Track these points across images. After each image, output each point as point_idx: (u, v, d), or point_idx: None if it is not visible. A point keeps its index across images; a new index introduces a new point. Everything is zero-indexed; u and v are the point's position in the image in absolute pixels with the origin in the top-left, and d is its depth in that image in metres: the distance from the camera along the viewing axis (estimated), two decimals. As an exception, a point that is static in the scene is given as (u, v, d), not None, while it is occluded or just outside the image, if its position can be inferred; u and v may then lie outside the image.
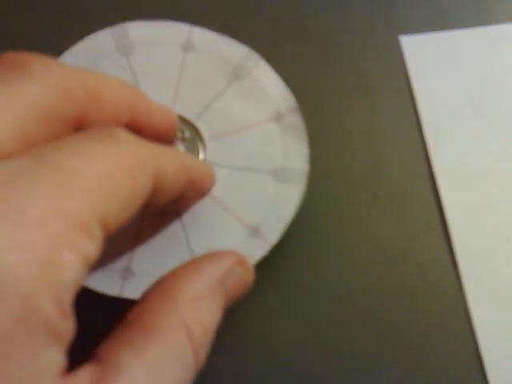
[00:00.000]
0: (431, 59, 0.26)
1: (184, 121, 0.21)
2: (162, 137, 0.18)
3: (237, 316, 0.21)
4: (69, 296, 0.12)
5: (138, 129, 0.17)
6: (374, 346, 0.21)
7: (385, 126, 0.25)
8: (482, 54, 0.26)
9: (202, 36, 0.22)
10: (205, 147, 0.21)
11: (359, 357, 0.21)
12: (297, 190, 0.20)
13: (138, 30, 0.22)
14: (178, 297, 0.15)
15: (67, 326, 0.12)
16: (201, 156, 0.21)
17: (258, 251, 0.19)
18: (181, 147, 0.21)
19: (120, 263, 0.19)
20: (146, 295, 0.15)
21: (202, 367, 0.15)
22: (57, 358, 0.11)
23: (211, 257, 0.17)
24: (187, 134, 0.21)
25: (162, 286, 0.16)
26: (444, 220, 0.23)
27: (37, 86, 0.13)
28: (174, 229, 0.20)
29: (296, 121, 0.21)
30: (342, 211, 0.23)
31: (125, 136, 0.14)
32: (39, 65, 0.14)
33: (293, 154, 0.21)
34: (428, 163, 0.24)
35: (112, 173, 0.13)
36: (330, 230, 0.23)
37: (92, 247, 0.12)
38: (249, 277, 0.17)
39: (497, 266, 0.22)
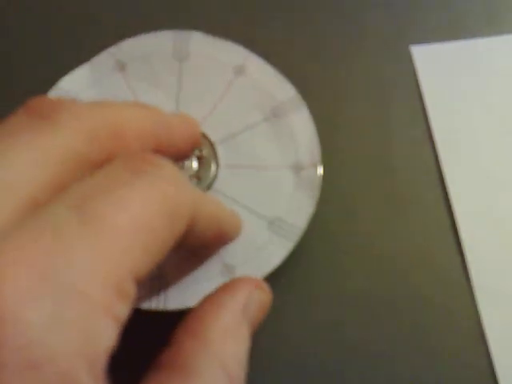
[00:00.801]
0: (442, 69, 0.27)
1: (205, 139, 0.21)
2: (184, 151, 0.18)
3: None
4: (103, 362, 0.12)
5: (161, 150, 0.17)
6: (386, 348, 0.21)
7: (396, 135, 0.25)
8: (493, 63, 0.27)
9: (256, 65, 0.22)
10: (217, 173, 0.21)
11: (371, 360, 0.21)
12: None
13: (198, 42, 0.22)
14: (207, 335, 0.16)
15: None
16: (211, 176, 0.21)
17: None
18: (194, 163, 0.21)
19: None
20: (175, 338, 0.16)
21: None
22: None
23: (231, 287, 0.17)
24: (205, 152, 0.21)
25: (190, 327, 0.16)
26: (454, 224, 0.23)
27: (66, 134, 0.14)
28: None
29: (313, 176, 0.21)
30: (353, 217, 0.24)
31: (167, 171, 0.14)
32: (66, 112, 0.14)
33: (296, 209, 0.20)
34: (439, 170, 0.24)
35: (152, 222, 0.13)
36: (342, 235, 0.23)
37: (126, 308, 0.12)
38: (267, 298, 0.18)
39: (507, 270, 0.22)
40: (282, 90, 0.22)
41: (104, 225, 0.12)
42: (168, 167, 0.14)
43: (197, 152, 0.21)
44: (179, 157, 0.19)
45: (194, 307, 0.17)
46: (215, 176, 0.21)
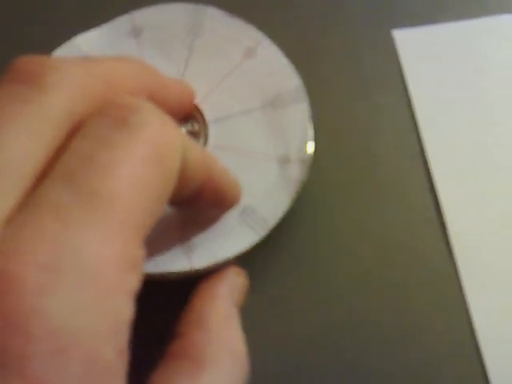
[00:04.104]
0: (424, 52, 0.26)
1: (200, 116, 0.21)
2: (177, 114, 0.18)
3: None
4: (125, 335, 0.12)
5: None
6: (371, 333, 0.21)
7: (379, 119, 0.25)
8: (476, 46, 0.27)
9: (268, 50, 0.21)
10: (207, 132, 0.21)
11: (355, 345, 0.21)
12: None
13: (213, 18, 0.22)
14: (210, 325, 0.17)
15: (123, 362, 0.12)
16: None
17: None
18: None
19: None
20: (181, 330, 0.17)
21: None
22: None
23: (219, 277, 0.19)
24: (197, 128, 0.21)
25: (192, 319, 0.17)
26: (440, 211, 0.23)
27: (57, 96, 0.13)
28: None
29: (297, 172, 0.20)
30: (338, 203, 0.23)
31: (149, 114, 0.13)
32: (55, 72, 0.13)
33: (271, 204, 0.20)
34: (423, 155, 0.24)
35: (145, 177, 0.13)
36: (328, 222, 0.23)
37: (138, 276, 0.12)
38: (245, 281, 0.19)
39: (493, 257, 0.22)
40: (288, 79, 0.21)
41: (101, 198, 0.12)
42: (148, 109, 0.14)
43: (189, 127, 0.20)
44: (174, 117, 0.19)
45: (191, 300, 0.18)
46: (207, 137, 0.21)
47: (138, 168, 0.12)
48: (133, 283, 0.12)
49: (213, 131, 0.21)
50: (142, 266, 0.13)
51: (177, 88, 0.19)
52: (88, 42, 0.22)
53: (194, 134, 0.20)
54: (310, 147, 0.20)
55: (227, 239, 0.19)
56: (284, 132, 0.20)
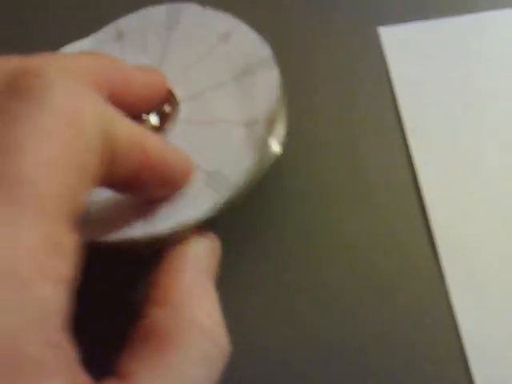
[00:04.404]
0: (410, 50, 0.26)
1: (172, 96, 0.21)
2: (146, 102, 0.18)
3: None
4: (57, 325, 0.11)
5: (118, 98, 0.17)
6: (357, 333, 0.21)
7: (363, 118, 0.25)
8: (462, 43, 0.26)
9: (241, 32, 0.21)
10: (174, 128, 0.20)
11: (338, 345, 0.21)
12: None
13: (189, 12, 0.22)
14: (174, 301, 0.16)
15: (59, 354, 0.11)
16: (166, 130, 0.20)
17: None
18: (154, 118, 0.20)
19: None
20: (144, 310, 0.16)
21: (230, 349, 0.16)
22: None
23: (180, 249, 0.17)
24: (167, 109, 0.20)
25: (155, 296, 0.16)
26: (424, 209, 0.23)
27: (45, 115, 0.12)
28: None
29: (263, 132, 0.19)
30: (315, 209, 0.23)
31: (55, 80, 0.12)
32: (43, 89, 0.12)
33: (236, 164, 0.19)
34: (408, 156, 0.24)
35: (57, 147, 0.12)
36: (304, 230, 0.22)
37: (67, 263, 0.12)
38: (215, 243, 0.18)
39: (480, 263, 0.22)
40: (258, 51, 0.21)
41: (8, 181, 0.11)
42: (55, 75, 0.12)
43: (161, 109, 0.20)
44: (141, 108, 0.19)
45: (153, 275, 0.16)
46: (170, 130, 0.20)
47: (47, 142, 0.12)
48: (59, 269, 0.11)
49: (185, 108, 0.21)
50: (72, 250, 0.12)
51: (142, 75, 0.18)
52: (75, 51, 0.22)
53: (164, 116, 0.20)
54: (276, 107, 0.20)
55: (190, 204, 0.18)
56: (253, 98, 0.20)
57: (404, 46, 0.26)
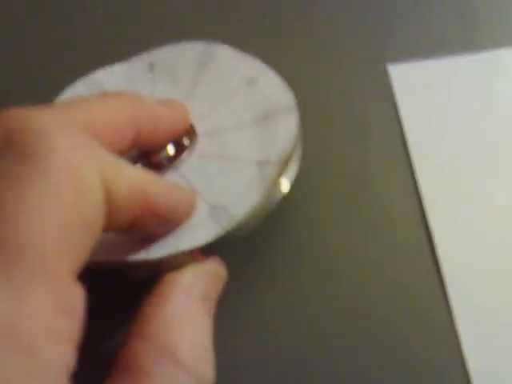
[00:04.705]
0: (419, 88, 0.26)
1: (191, 129, 0.21)
2: (172, 137, 0.19)
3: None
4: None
5: (144, 137, 0.17)
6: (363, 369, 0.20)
7: (372, 155, 0.25)
8: (473, 81, 0.26)
9: (267, 77, 0.22)
10: (188, 159, 0.21)
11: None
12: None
13: (221, 54, 0.23)
14: (153, 331, 0.15)
15: None
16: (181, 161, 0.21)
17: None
18: (171, 149, 0.20)
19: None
20: (127, 339, 0.15)
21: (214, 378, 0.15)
22: None
23: (173, 277, 0.16)
24: (185, 142, 0.21)
25: (137, 326, 0.15)
26: (432, 243, 0.22)
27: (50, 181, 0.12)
28: None
29: (274, 174, 0.20)
30: (326, 238, 0.23)
31: (55, 137, 0.12)
32: (44, 148, 0.12)
33: (241, 200, 0.19)
34: (417, 191, 0.24)
35: (60, 208, 0.12)
36: (314, 256, 0.22)
37: (74, 323, 0.12)
38: (218, 267, 0.18)
39: (487, 297, 0.21)
40: (282, 98, 0.22)
41: (12, 248, 0.11)
42: (55, 131, 0.12)
43: (179, 141, 0.21)
44: (164, 142, 0.19)
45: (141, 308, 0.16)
46: (184, 160, 0.20)
47: (52, 204, 0.12)
48: (67, 330, 0.11)
49: (202, 142, 0.21)
50: (80, 308, 0.12)
51: (169, 114, 0.19)
52: (107, 77, 0.23)
53: (182, 147, 0.21)
54: (291, 151, 0.20)
55: (190, 233, 0.18)
56: (270, 141, 0.21)
57: (414, 83, 0.26)
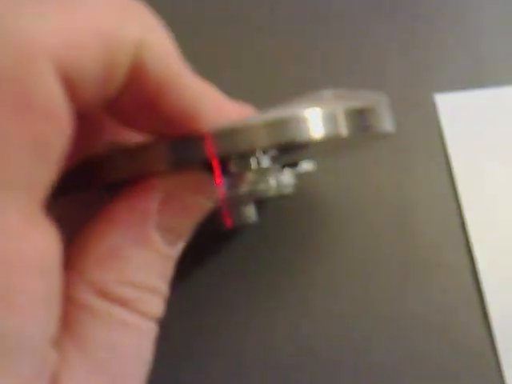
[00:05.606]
0: (467, 118, 0.26)
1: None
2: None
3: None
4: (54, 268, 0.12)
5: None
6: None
7: (417, 187, 0.25)
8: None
9: None
10: None
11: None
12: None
13: None
14: (84, 263, 0.13)
15: None
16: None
17: None
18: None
19: None
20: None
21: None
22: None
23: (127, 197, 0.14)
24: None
25: (70, 256, 0.13)
26: (480, 289, 0.23)
27: None
28: None
29: None
30: (369, 279, 0.23)
31: None
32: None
33: None
34: (463, 228, 0.24)
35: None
36: (356, 297, 0.23)
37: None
38: (192, 194, 0.14)
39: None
40: None
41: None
42: None
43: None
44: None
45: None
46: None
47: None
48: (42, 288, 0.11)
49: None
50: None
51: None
52: None
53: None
54: None
55: None
56: None
57: (460, 113, 0.26)
